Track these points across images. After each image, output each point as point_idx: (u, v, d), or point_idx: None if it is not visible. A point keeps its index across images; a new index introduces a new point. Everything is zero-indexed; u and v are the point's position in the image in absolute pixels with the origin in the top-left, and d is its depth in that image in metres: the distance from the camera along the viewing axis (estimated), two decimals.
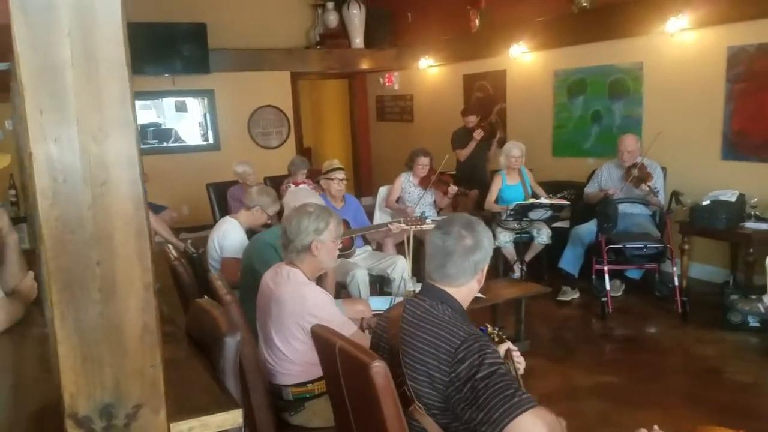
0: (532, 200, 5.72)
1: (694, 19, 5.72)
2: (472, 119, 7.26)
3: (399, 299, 4.24)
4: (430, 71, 9.34)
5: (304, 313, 2.56)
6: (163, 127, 10.20)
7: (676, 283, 5.03)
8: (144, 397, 1.41)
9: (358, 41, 9.80)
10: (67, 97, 1.27)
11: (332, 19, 9.77)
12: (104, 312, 1.34)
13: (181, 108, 10.32)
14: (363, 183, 11.08)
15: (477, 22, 8.15)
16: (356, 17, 9.71)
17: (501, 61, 7.97)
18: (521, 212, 5.68)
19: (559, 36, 7.06)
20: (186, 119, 10.29)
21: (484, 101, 8.25)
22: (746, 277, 4.99)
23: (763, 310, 4.40)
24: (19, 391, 1.95)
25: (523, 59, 7.67)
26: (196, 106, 9.84)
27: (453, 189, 5.96)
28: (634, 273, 5.55)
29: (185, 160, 9.03)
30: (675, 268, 5.05)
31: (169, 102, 10.17)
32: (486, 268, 2.04)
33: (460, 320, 1.91)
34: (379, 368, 1.76)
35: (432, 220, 5.80)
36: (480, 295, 4.25)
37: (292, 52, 9.55)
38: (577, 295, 5.61)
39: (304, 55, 9.69)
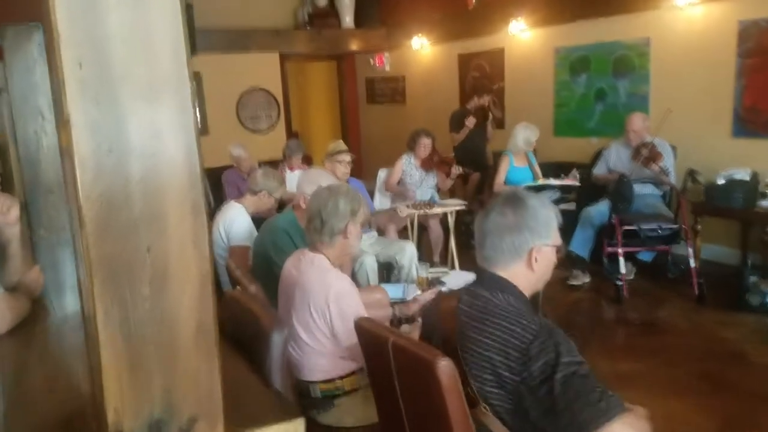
0: (542, 181, 5.53)
1: None
2: (482, 100, 7.08)
3: (412, 286, 4.06)
4: (423, 51, 9.09)
5: (327, 302, 2.35)
6: None
7: (692, 265, 4.89)
8: (199, 408, 1.20)
9: (348, 20, 9.52)
10: (112, 46, 1.04)
11: None
12: (154, 308, 1.12)
13: None
14: (353, 166, 10.82)
15: None
16: None
17: (499, 39, 7.76)
18: None
19: (561, 12, 6.86)
20: None
21: (481, 81, 8.04)
22: (763, 257, 4.87)
23: None
24: (24, 408, 1.70)
25: (522, 36, 7.47)
26: None
27: (456, 170, 5.76)
28: (645, 255, 5.40)
29: None
30: (690, 250, 4.91)
31: None
32: (546, 250, 1.80)
33: (528, 311, 1.71)
34: (446, 366, 1.56)
35: (439, 204, 5.63)
36: None
37: (281, 33, 9.24)
38: (588, 278, 5.45)
39: (292, 35, 9.39)
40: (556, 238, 1.82)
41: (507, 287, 1.76)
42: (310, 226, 2.48)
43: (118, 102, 1.05)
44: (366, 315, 2.34)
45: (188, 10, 8.19)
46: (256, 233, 3.75)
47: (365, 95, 10.62)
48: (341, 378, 2.46)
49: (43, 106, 3.04)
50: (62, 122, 1.05)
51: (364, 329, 1.87)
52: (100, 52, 1.03)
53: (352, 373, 2.47)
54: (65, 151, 1.07)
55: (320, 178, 3.29)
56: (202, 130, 8.94)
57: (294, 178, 6.29)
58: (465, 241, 6.14)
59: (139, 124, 1.07)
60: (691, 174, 5.07)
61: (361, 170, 10.19)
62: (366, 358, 1.93)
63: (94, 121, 1.04)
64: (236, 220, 3.69)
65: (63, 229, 3.13)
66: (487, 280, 1.79)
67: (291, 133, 9.79)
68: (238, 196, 6.15)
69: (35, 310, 2.17)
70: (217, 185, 6.51)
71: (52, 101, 1.21)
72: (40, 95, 3.03)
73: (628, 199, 4.96)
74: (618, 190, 5.04)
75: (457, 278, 4.13)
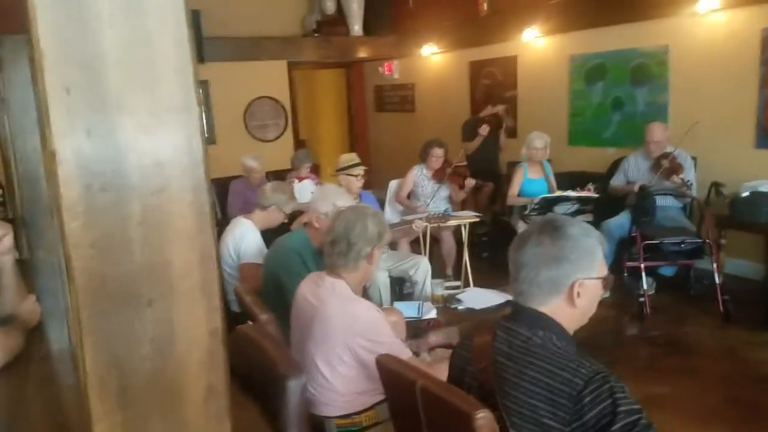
0: (558, 192, 5.36)
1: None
2: (496, 108, 6.94)
3: (427, 304, 3.89)
4: (433, 58, 8.94)
5: (354, 334, 2.18)
6: None
7: (717, 281, 4.70)
8: None
9: (356, 28, 9.37)
10: (105, 68, 0.88)
11: (329, 5, 9.33)
12: (158, 372, 0.96)
13: None
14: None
15: (485, 5, 7.76)
16: (354, 2, 9.27)
17: (511, 47, 7.59)
18: (546, 206, 5.32)
19: (576, 19, 6.69)
20: None
21: (493, 89, 7.88)
22: None
23: None
24: None
25: (536, 44, 7.30)
26: None
27: (470, 182, 5.60)
28: (666, 270, 5.22)
29: None
30: (715, 265, 4.72)
31: None
32: (590, 283, 1.63)
33: (574, 353, 1.54)
34: (484, 420, 1.40)
35: (453, 216, 5.45)
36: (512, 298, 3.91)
37: (289, 41, 9.11)
38: (608, 293, 5.25)
39: (300, 43, 9.25)
40: (601, 269, 1.65)
41: (548, 324, 1.59)
42: (333, 250, 2.30)
43: (113, 133, 0.89)
44: (397, 343, 2.18)
45: (195, 19, 8.09)
46: (266, 250, 3.60)
47: (374, 103, 10.47)
48: (359, 413, 2.29)
49: None
50: (47, 157, 0.89)
51: (386, 369, 1.70)
52: (92, 74, 0.88)
53: (371, 407, 2.31)
54: (51, 191, 0.91)
55: (336, 196, 3.13)
56: (210, 139, 8.81)
57: (302, 189, 6.15)
58: (477, 253, 5.96)
59: (138, 158, 0.91)
60: (716, 186, 4.89)
61: (370, 180, 10.03)
62: (389, 398, 1.76)
63: (85, 156, 0.88)
64: (246, 237, 3.54)
65: None
66: (524, 316, 1.62)
67: (298, 142, 9.65)
68: (243, 206, 6.02)
69: (32, 342, 2.02)
70: (223, 195, 6.36)
71: (39, 131, 1.05)
72: None
73: (650, 212, 4.79)
74: (640, 204, 4.86)
75: (474, 296, 3.96)
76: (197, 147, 0.95)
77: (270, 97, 9.02)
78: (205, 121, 8.82)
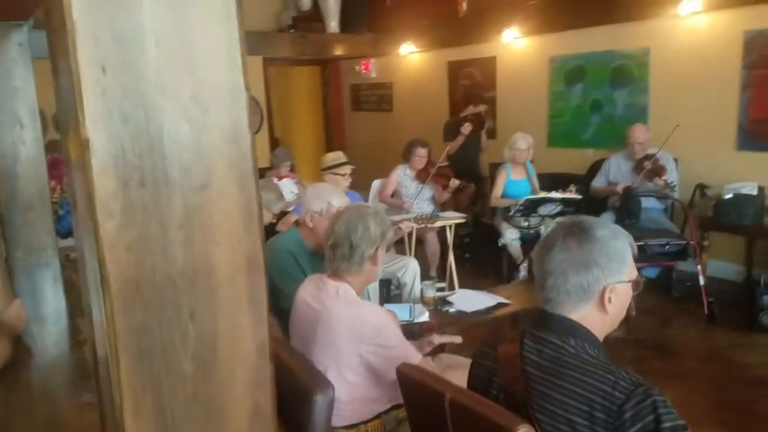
0: (543, 194, 5.32)
1: (707, 1, 5.40)
2: (478, 108, 6.88)
3: (419, 307, 3.80)
4: (411, 57, 8.86)
5: (362, 339, 2.08)
6: None
7: (701, 283, 4.70)
8: None
9: (333, 25, 9.24)
10: (145, 45, 0.77)
11: (305, 1, 9.18)
12: (199, 392, 0.84)
13: None
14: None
15: (464, 5, 7.70)
16: None
17: (490, 47, 7.55)
18: (531, 208, 5.28)
19: (556, 20, 6.68)
20: None
21: (472, 90, 7.83)
22: None
23: None
24: None
25: (516, 45, 7.27)
26: None
27: (454, 183, 5.53)
28: (649, 271, 5.21)
29: None
30: (699, 267, 4.73)
31: None
32: (621, 287, 1.56)
33: (610, 363, 1.47)
34: None
35: (440, 217, 5.37)
36: (504, 300, 3.85)
37: (264, 36, 8.93)
38: None
39: (275, 39, 9.08)
40: (632, 272, 1.57)
41: (579, 332, 1.51)
42: (335, 253, 2.19)
43: (152, 120, 0.78)
44: (407, 345, 2.08)
45: None
46: None
47: (350, 102, 10.35)
48: (365, 422, 2.19)
49: (23, 113, 2.73)
50: (76, 145, 0.77)
51: (409, 379, 1.60)
52: (130, 54, 0.76)
53: (377, 416, 2.20)
54: (80, 186, 0.79)
55: (330, 195, 3.01)
56: None
57: (282, 188, 6.00)
58: (460, 254, 5.90)
59: (180, 149, 0.80)
60: (701, 188, 4.90)
61: None
62: (411, 409, 1.65)
63: (121, 146, 0.76)
64: None
65: (44, 250, 2.82)
66: (553, 324, 1.53)
67: (273, 140, 9.48)
68: None
69: (17, 352, 1.87)
70: None
71: (58, 119, 0.92)
72: (19, 101, 2.72)
73: (635, 213, 4.78)
74: (625, 205, 4.85)
75: (465, 298, 3.87)
76: (245, 136, 0.84)
77: None
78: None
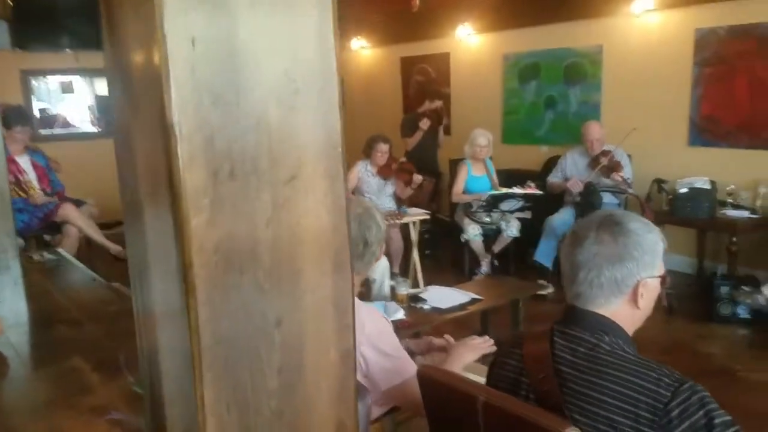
0: (505, 190, 5.34)
1: (660, 0, 5.53)
2: (435, 104, 6.85)
3: (392, 304, 3.74)
4: (362, 53, 8.78)
5: (360, 344, 1.99)
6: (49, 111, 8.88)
7: None
8: None
9: None
10: (237, 16, 0.68)
11: None
12: (284, 408, 0.76)
13: (68, 89, 9.00)
14: None
15: (417, 0, 7.66)
16: None
17: (444, 44, 7.55)
18: (493, 203, 5.30)
19: (510, 17, 6.71)
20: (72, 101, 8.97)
21: (426, 86, 7.82)
22: (730, 266, 4.85)
23: (764, 301, 4.25)
24: None
25: (469, 41, 7.30)
26: (103, 87, 8.67)
27: (418, 178, 5.48)
28: None
29: (93, 147, 7.96)
30: None
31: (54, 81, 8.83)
32: (652, 282, 1.53)
33: (648, 360, 1.43)
34: None
35: (409, 214, 5.33)
36: (477, 296, 3.82)
37: None
38: (552, 288, 5.29)
39: None
40: (662, 267, 1.55)
41: (612, 329, 1.47)
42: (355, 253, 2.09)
43: (244, 101, 0.69)
44: (406, 354, 2.01)
45: None
46: None
47: None
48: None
49: None
50: (161, 131, 0.67)
51: (433, 381, 1.53)
52: (221, 23, 0.67)
53: (375, 420, 2.12)
54: (168, 176, 0.69)
55: None
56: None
57: None
58: (421, 251, 5.87)
59: (269, 136, 0.71)
60: (658, 183, 5.01)
61: None
62: (432, 415, 1.58)
63: (211, 132, 0.67)
64: None
65: (3, 252, 2.62)
66: (585, 320, 1.49)
67: None
68: None
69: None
70: None
71: (101, 106, 0.82)
72: None
73: (596, 208, 4.84)
74: (586, 200, 4.91)
75: (438, 295, 3.83)
76: (335, 124, 0.76)
77: None
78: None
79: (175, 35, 0.63)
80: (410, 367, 2.03)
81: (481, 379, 1.87)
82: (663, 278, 1.55)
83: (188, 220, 0.66)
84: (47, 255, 2.65)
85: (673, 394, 1.31)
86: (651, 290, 1.52)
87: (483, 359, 2.23)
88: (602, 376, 1.39)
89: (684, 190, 5.03)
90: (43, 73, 7.91)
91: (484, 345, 2.21)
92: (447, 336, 2.39)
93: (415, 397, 1.70)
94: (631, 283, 1.48)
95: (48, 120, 8.58)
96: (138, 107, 0.71)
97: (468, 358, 2.20)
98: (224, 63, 0.67)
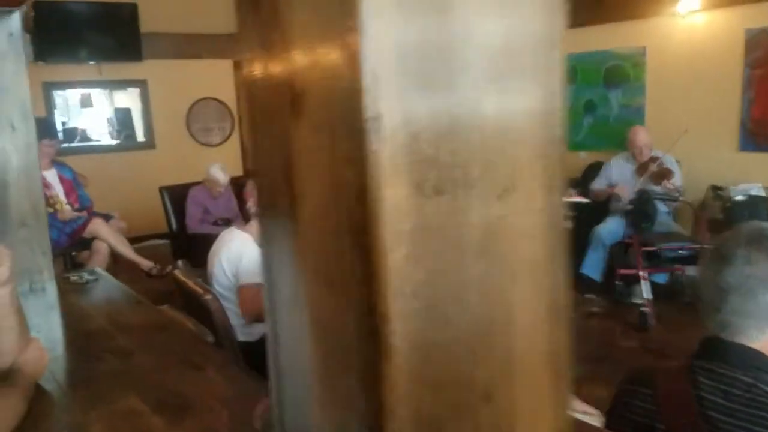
0: None
1: None
2: None
3: None
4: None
5: None
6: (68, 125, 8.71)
7: None
8: None
9: None
10: None
11: None
12: None
13: (86, 103, 8.85)
14: None
15: None
16: None
17: None
18: None
19: None
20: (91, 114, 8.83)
21: None
22: None
23: None
24: None
25: None
26: (122, 99, 8.56)
27: None
28: (659, 277, 5.07)
29: (113, 160, 7.84)
30: None
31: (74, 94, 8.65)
32: None
33: None
34: None
35: None
36: None
37: (234, 39, 8.55)
38: (602, 303, 5.07)
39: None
40: None
41: (766, 365, 1.26)
42: None
43: (456, 84, 0.48)
44: None
45: (132, 13, 7.45)
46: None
47: None
48: None
49: (14, 115, 2.36)
50: (335, 129, 0.47)
51: None
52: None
53: None
54: (366, 191, 0.48)
55: None
56: (148, 143, 8.16)
57: None
58: None
59: (481, 133, 0.50)
60: (714, 190, 4.77)
61: None
62: None
63: (416, 131, 0.47)
64: (245, 253, 3.05)
65: (38, 273, 2.45)
66: (733, 355, 1.28)
67: (244, 147, 9.10)
68: (204, 217, 5.48)
69: (41, 405, 1.50)
70: (178, 205, 5.79)
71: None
72: (9, 101, 2.35)
73: (651, 217, 4.61)
74: (639, 208, 4.68)
75: None
76: (557, 114, 0.55)
77: (215, 99, 8.44)
78: (142, 122, 8.16)
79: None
80: None
81: (592, 420, 1.65)
82: None
83: (384, 254, 0.46)
84: (86, 275, 2.46)
85: None
86: None
87: None
88: (766, 423, 1.17)
89: (740, 197, 4.79)
90: (66, 86, 7.79)
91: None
92: None
93: None
94: None
95: (69, 133, 8.46)
96: (303, 101, 0.51)
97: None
98: (435, 32, 0.47)
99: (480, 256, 0.51)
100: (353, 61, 0.45)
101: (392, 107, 0.45)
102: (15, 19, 2.28)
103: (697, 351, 1.36)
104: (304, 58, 0.51)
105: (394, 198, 0.46)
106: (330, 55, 0.48)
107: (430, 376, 0.50)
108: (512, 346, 0.55)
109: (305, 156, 0.54)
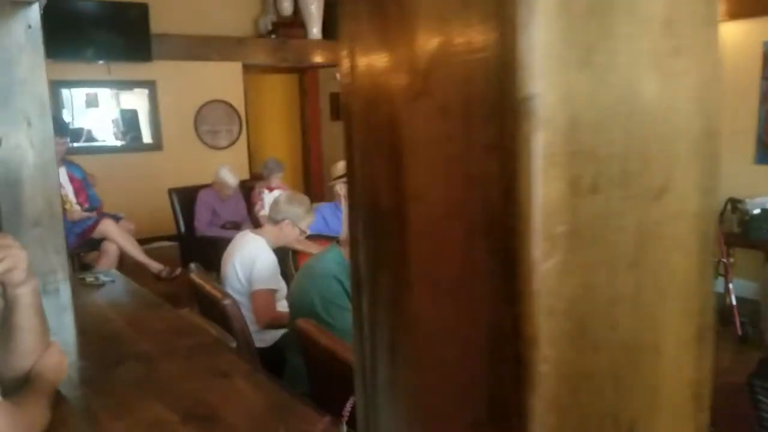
0: None
1: (725, 10, 5.24)
2: None
3: None
4: None
5: None
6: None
7: (734, 302, 4.49)
8: None
9: (315, 31, 8.86)
10: None
11: (286, 5, 8.80)
12: None
13: (92, 103, 8.78)
14: (313, 187, 10.15)
15: None
16: (313, 5, 8.77)
17: None
18: None
19: None
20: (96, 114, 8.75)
21: None
22: None
23: None
24: None
25: None
26: (129, 100, 8.50)
27: None
28: None
29: (119, 162, 7.78)
30: (731, 285, 4.51)
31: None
32: None
33: None
34: None
35: None
36: None
37: (243, 41, 8.50)
38: None
39: (255, 44, 8.66)
40: None
41: None
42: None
43: (617, 65, 0.41)
44: None
45: (143, 14, 7.39)
46: (279, 272, 3.08)
47: (329, 111, 9.97)
48: None
49: (31, 110, 2.29)
50: (477, 112, 0.40)
51: None
52: None
53: None
54: (517, 187, 0.40)
55: None
56: (155, 145, 8.10)
57: (273, 199, 5.61)
58: None
59: (642, 119, 0.43)
60: (732, 203, 4.70)
61: (323, 191, 9.55)
62: None
63: (576, 113, 0.39)
64: (259, 258, 2.98)
65: (53, 273, 2.37)
66: None
67: (251, 151, 9.04)
68: (212, 220, 5.41)
69: (64, 411, 1.42)
70: (188, 208, 5.72)
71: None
72: (26, 95, 2.28)
73: None
74: None
75: None
76: (714, 102, 0.47)
77: (223, 101, 8.38)
78: (149, 124, 8.09)
79: None
80: None
81: None
82: None
83: (535, 263, 0.38)
84: (102, 276, 2.38)
85: None
86: None
87: None
88: None
89: (757, 210, 4.71)
90: (73, 84, 7.73)
91: None
92: None
93: None
94: None
95: (75, 133, 8.40)
96: (428, 80, 0.43)
97: None
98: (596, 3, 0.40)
99: (631, 269, 0.44)
100: (509, 28, 0.37)
101: (552, 85, 0.38)
102: (34, 11, 2.22)
103: (756, 369, 1.28)
104: (432, 28, 0.44)
105: (548, 196, 0.38)
106: (471, 22, 0.40)
107: (576, 410, 0.42)
108: (659, 374, 0.47)
109: (423, 146, 0.46)
